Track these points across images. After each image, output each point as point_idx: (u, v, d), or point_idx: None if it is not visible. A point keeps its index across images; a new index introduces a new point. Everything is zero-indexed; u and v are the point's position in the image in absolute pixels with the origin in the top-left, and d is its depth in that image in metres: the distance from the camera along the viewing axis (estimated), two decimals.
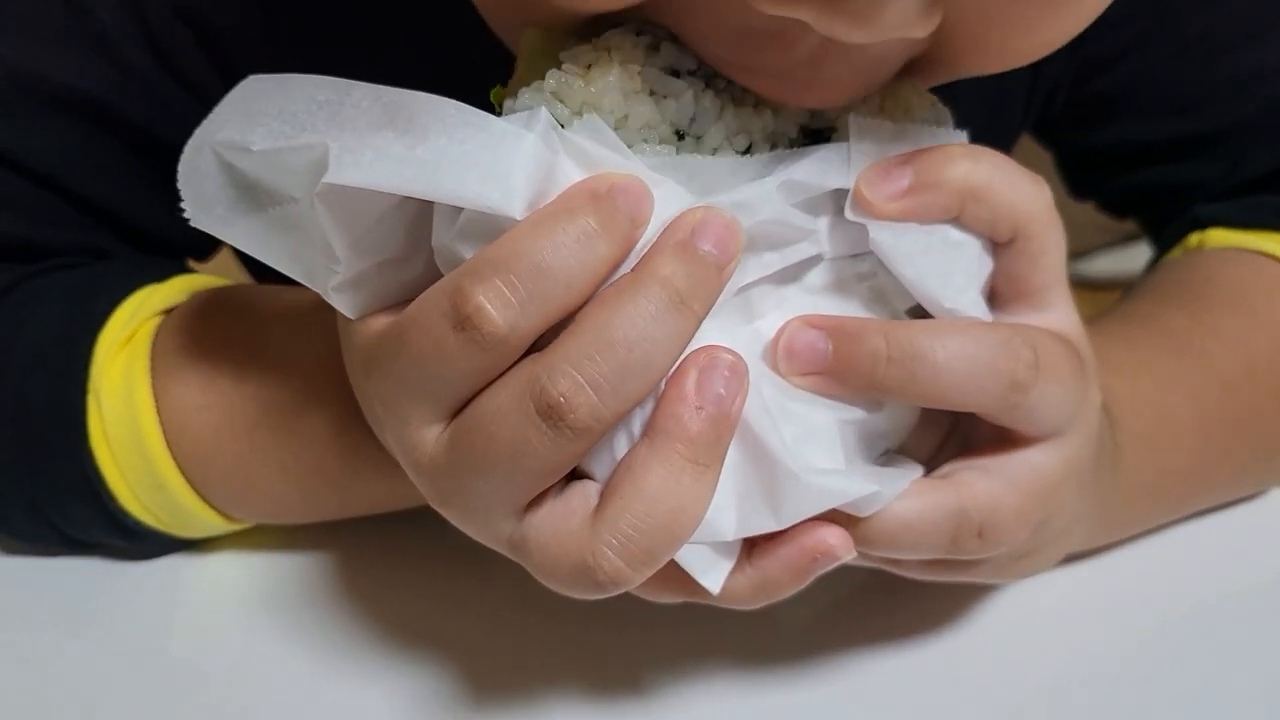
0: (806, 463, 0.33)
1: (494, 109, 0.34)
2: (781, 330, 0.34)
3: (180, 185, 0.35)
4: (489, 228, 0.31)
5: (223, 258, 0.56)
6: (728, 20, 0.32)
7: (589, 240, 0.30)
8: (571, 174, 0.32)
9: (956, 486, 0.35)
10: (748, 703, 0.42)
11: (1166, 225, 0.58)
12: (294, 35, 0.50)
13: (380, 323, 0.34)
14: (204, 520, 0.46)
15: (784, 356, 0.34)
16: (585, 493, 0.32)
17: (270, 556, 0.48)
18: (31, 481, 0.45)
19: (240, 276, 0.53)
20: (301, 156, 0.32)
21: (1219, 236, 0.54)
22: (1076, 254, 1.43)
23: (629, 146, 0.33)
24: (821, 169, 0.34)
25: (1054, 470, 0.36)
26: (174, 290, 0.47)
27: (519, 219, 0.31)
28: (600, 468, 0.33)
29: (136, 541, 0.47)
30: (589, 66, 0.33)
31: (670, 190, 0.32)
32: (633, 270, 0.31)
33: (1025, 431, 0.36)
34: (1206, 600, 0.46)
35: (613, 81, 0.33)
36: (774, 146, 0.34)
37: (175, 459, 0.44)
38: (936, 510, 0.35)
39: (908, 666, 0.43)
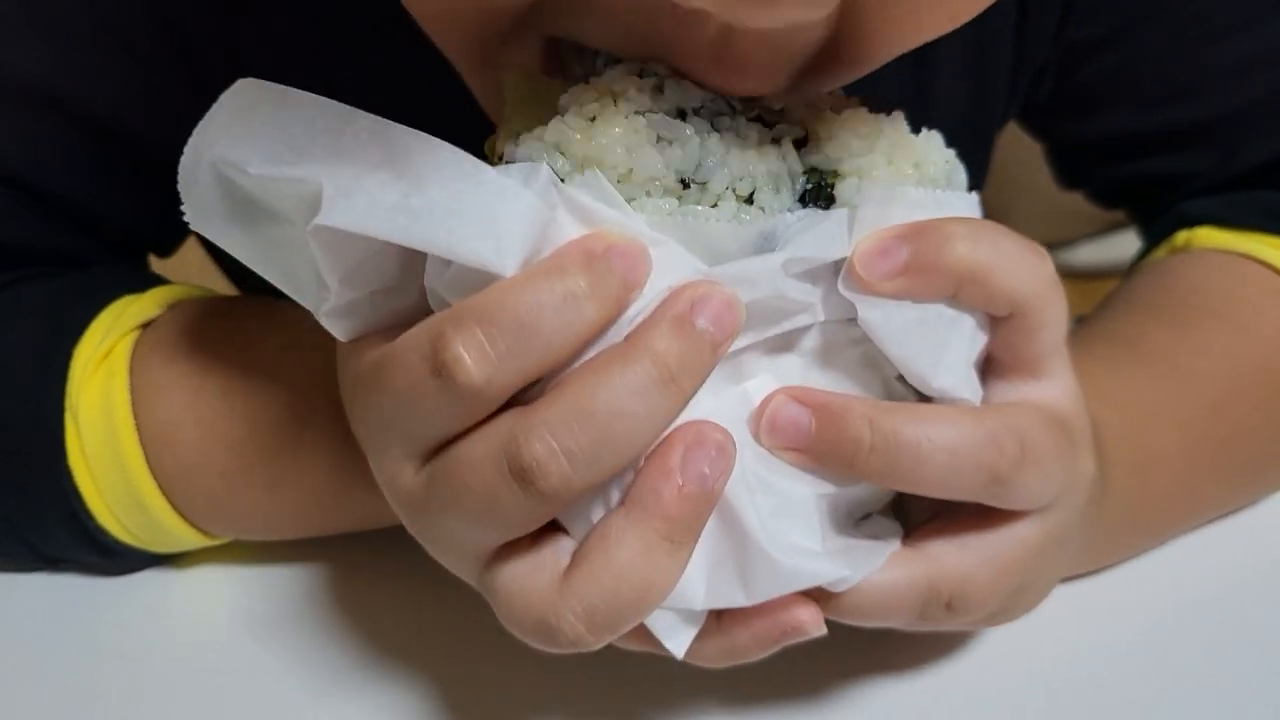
0: (781, 540, 0.33)
1: (487, 159, 0.34)
2: (767, 400, 0.34)
3: (180, 190, 0.34)
4: (479, 281, 0.31)
5: (187, 258, 0.55)
6: (629, 8, 0.32)
7: (576, 301, 0.30)
8: (569, 231, 0.31)
9: (928, 561, 0.35)
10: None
11: (1156, 217, 0.57)
12: (257, 23, 0.49)
13: (370, 348, 0.33)
14: (183, 538, 0.46)
15: (767, 430, 0.33)
16: (557, 550, 0.33)
17: (251, 570, 0.48)
18: (7, 500, 0.45)
19: (208, 278, 0.52)
20: (296, 188, 0.31)
21: (1206, 236, 0.54)
22: (1062, 243, 1.43)
23: (632, 199, 0.32)
24: (824, 243, 0.33)
25: (1034, 541, 0.36)
26: (151, 302, 0.46)
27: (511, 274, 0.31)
28: (576, 526, 0.33)
29: (114, 559, 0.46)
30: (593, 119, 0.32)
31: (671, 251, 0.32)
32: (626, 340, 0.31)
33: (1008, 509, 0.36)
34: (1203, 599, 0.46)
35: (618, 135, 0.32)
36: (778, 190, 0.34)
37: (156, 478, 0.44)
38: (906, 585, 0.35)
39: (902, 667, 0.43)
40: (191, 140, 0.34)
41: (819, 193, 0.34)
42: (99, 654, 0.45)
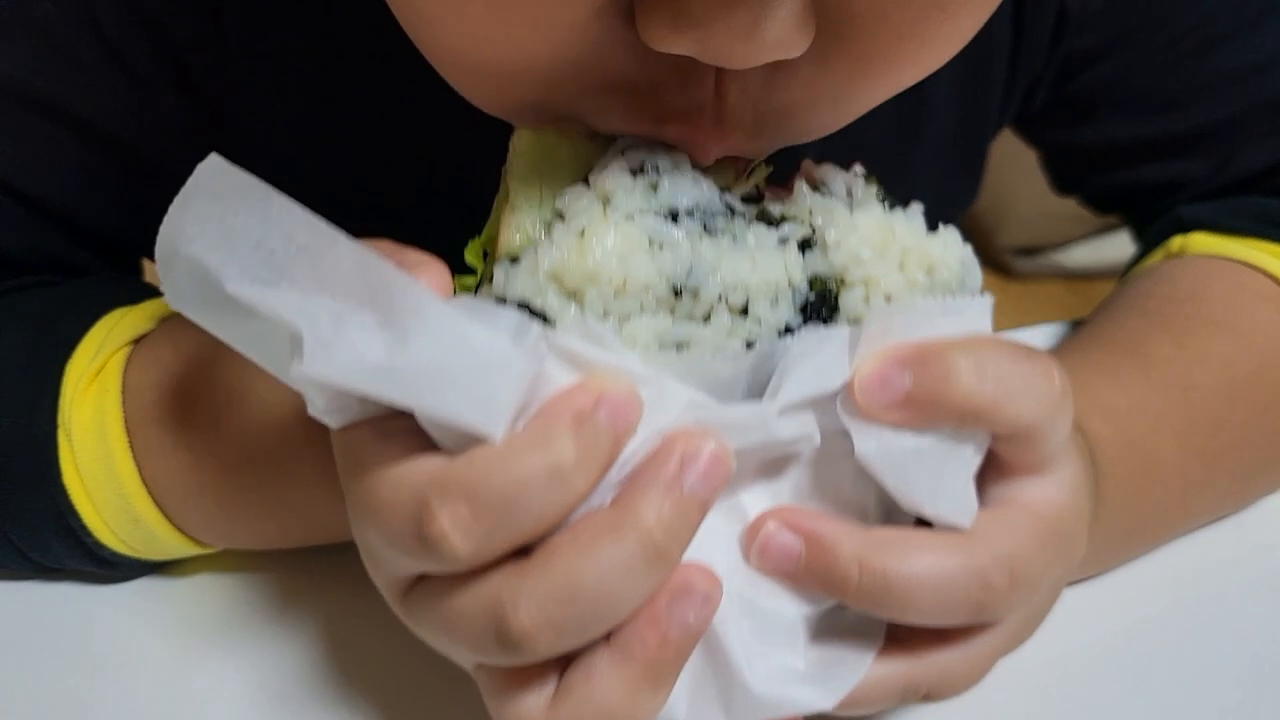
0: (763, 664, 0.33)
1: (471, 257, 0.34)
2: (760, 521, 0.34)
3: (158, 269, 0.33)
4: (466, 437, 0.30)
5: None
6: (625, 76, 0.32)
7: (563, 476, 0.30)
8: (558, 380, 0.31)
9: (910, 660, 0.35)
10: None
11: (1152, 222, 0.58)
12: (248, 28, 0.49)
13: (362, 444, 0.33)
14: (180, 548, 0.46)
15: (758, 555, 0.34)
16: (544, 678, 0.33)
17: (246, 575, 0.48)
18: (2, 514, 0.44)
19: None
20: (276, 324, 0.31)
21: (1201, 241, 0.54)
22: (1056, 244, 1.43)
23: (626, 315, 0.32)
24: (824, 373, 0.32)
25: (1016, 627, 0.37)
26: (143, 316, 0.46)
27: (499, 440, 0.30)
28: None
29: (110, 569, 0.46)
30: (583, 233, 0.32)
31: (663, 389, 0.32)
32: (616, 508, 0.31)
33: None
34: (1196, 601, 0.46)
35: (610, 246, 0.32)
36: (775, 301, 0.33)
37: (152, 495, 0.44)
38: (886, 683, 0.35)
39: None
40: (164, 227, 0.32)
41: (822, 302, 0.33)
42: (94, 658, 0.44)
